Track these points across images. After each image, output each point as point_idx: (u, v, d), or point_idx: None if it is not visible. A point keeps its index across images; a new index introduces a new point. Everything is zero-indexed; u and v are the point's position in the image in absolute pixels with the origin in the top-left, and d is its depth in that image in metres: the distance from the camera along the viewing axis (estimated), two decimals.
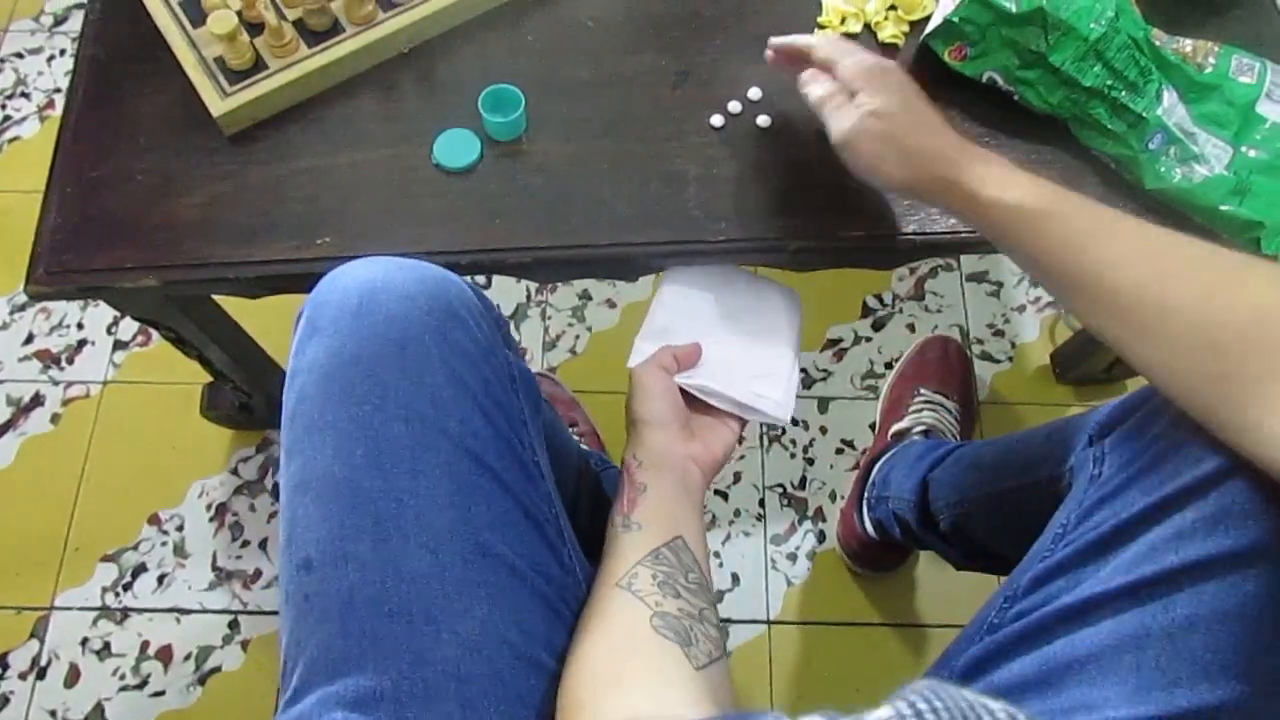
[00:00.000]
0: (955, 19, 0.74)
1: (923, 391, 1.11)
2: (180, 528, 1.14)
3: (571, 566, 0.60)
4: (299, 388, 0.57)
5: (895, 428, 1.09)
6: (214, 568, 1.12)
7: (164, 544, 1.13)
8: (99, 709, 1.05)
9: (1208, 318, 0.50)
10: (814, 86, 0.67)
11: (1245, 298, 0.50)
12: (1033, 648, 0.54)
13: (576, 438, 1.05)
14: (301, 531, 0.54)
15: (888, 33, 0.81)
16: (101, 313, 1.26)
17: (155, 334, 0.95)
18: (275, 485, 1.16)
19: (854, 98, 0.64)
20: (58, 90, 1.40)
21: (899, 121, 0.62)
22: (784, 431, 1.19)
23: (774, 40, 0.71)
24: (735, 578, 1.12)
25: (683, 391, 0.71)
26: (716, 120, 0.78)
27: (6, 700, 1.05)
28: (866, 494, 1.05)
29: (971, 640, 0.59)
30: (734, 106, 0.78)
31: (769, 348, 0.75)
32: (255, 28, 0.77)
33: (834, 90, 0.65)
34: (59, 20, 1.46)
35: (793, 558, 1.13)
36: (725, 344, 0.74)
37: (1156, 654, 0.49)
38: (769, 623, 1.09)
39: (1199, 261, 0.53)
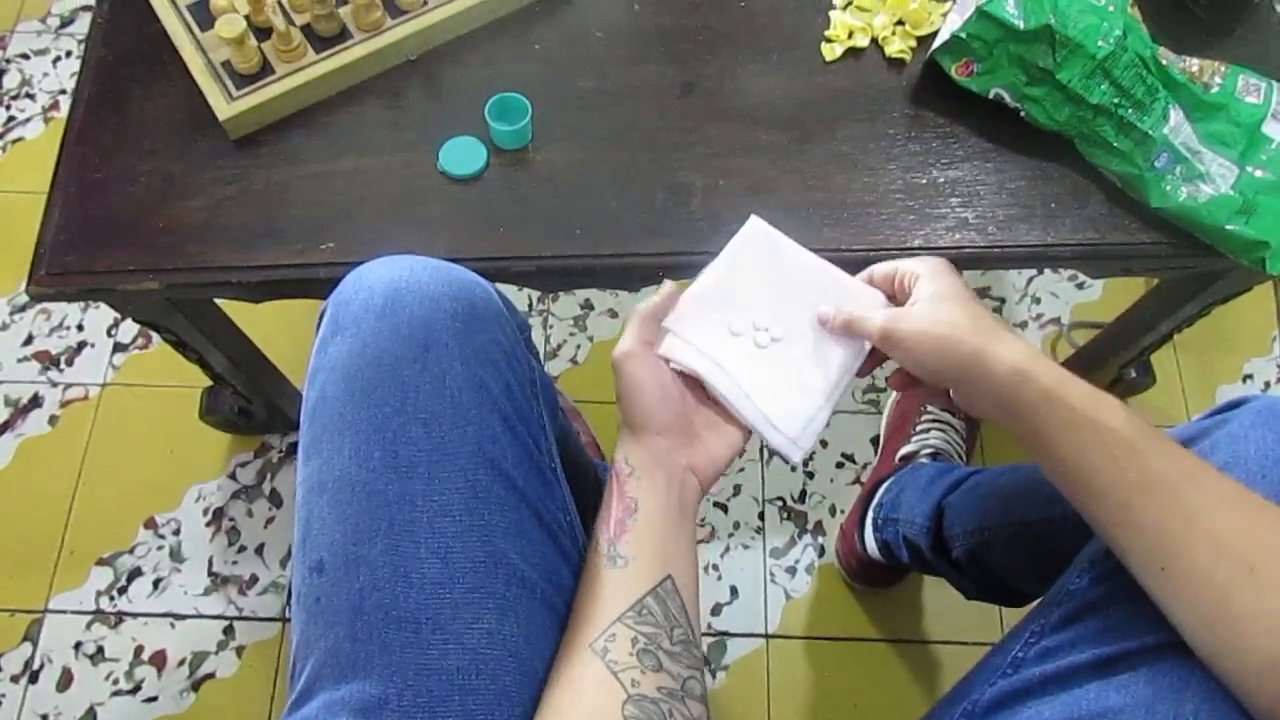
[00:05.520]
0: (963, 35, 0.74)
1: (930, 409, 1.10)
2: (177, 532, 1.13)
3: None
4: (320, 386, 0.56)
5: (902, 451, 1.08)
6: (210, 573, 1.11)
7: (160, 548, 1.13)
8: (91, 713, 1.05)
9: None
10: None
11: None
12: (1062, 690, 0.53)
13: None
14: (316, 533, 0.53)
15: (895, 48, 0.81)
16: (102, 315, 1.25)
17: (155, 337, 0.95)
18: (273, 491, 1.16)
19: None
20: (63, 92, 1.40)
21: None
22: None
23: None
24: (734, 591, 1.11)
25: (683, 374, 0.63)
26: None
27: None
28: (872, 515, 1.04)
29: (995, 672, 0.58)
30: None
31: (809, 373, 0.65)
32: (263, 32, 0.77)
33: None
34: (65, 22, 1.46)
35: (792, 571, 1.12)
36: (768, 343, 0.65)
37: (1195, 708, 0.48)
38: (767, 636, 1.09)
39: None
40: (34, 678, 1.06)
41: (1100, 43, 0.71)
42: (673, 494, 0.59)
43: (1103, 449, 0.53)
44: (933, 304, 0.60)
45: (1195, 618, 0.49)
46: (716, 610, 1.10)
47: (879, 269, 0.66)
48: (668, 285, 0.65)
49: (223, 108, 0.75)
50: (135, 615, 1.09)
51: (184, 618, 1.09)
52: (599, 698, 0.50)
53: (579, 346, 1.25)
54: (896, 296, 0.65)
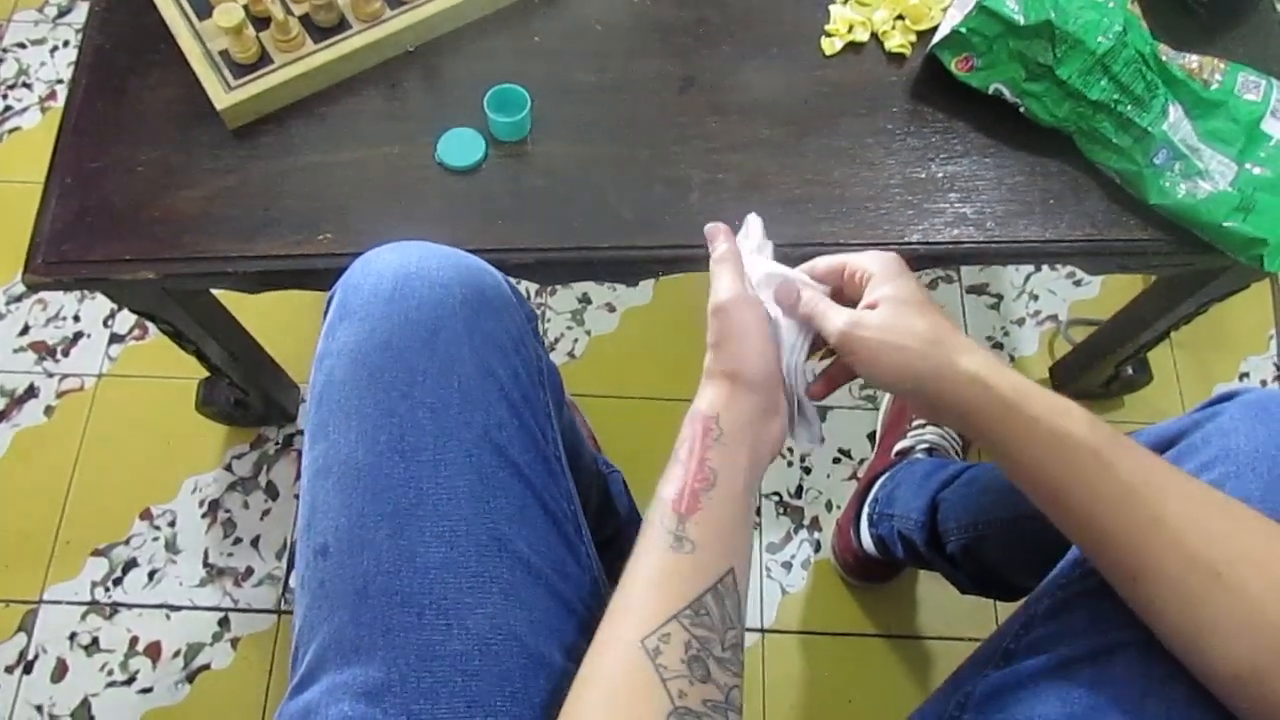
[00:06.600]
0: (963, 30, 0.74)
1: None
2: (172, 523, 1.13)
3: (589, 564, 0.59)
4: (327, 371, 0.56)
5: (898, 446, 1.08)
6: (205, 564, 1.11)
7: (155, 539, 1.12)
8: (85, 705, 1.04)
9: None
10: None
11: None
12: (1055, 682, 0.53)
13: None
14: (321, 517, 0.53)
15: (895, 42, 0.81)
16: (98, 305, 1.25)
17: (152, 328, 0.95)
18: (269, 483, 1.16)
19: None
20: (60, 81, 1.39)
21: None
22: None
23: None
24: None
25: None
26: None
27: None
28: (867, 510, 1.04)
29: (987, 664, 0.58)
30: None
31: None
32: (261, 22, 0.77)
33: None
34: (62, 12, 1.45)
35: (788, 566, 1.12)
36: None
37: (1186, 698, 0.48)
38: (763, 631, 1.09)
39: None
40: (28, 668, 1.06)
41: (1100, 39, 0.71)
42: (751, 471, 0.55)
43: (1066, 461, 0.51)
44: (893, 310, 0.56)
45: (1168, 626, 0.49)
46: None
47: (822, 263, 0.62)
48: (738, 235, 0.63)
49: (220, 97, 0.74)
50: (130, 606, 1.09)
51: (179, 609, 1.09)
52: (642, 705, 0.46)
53: (576, 340, 1.24)
54: (845, 291, 0.61)
